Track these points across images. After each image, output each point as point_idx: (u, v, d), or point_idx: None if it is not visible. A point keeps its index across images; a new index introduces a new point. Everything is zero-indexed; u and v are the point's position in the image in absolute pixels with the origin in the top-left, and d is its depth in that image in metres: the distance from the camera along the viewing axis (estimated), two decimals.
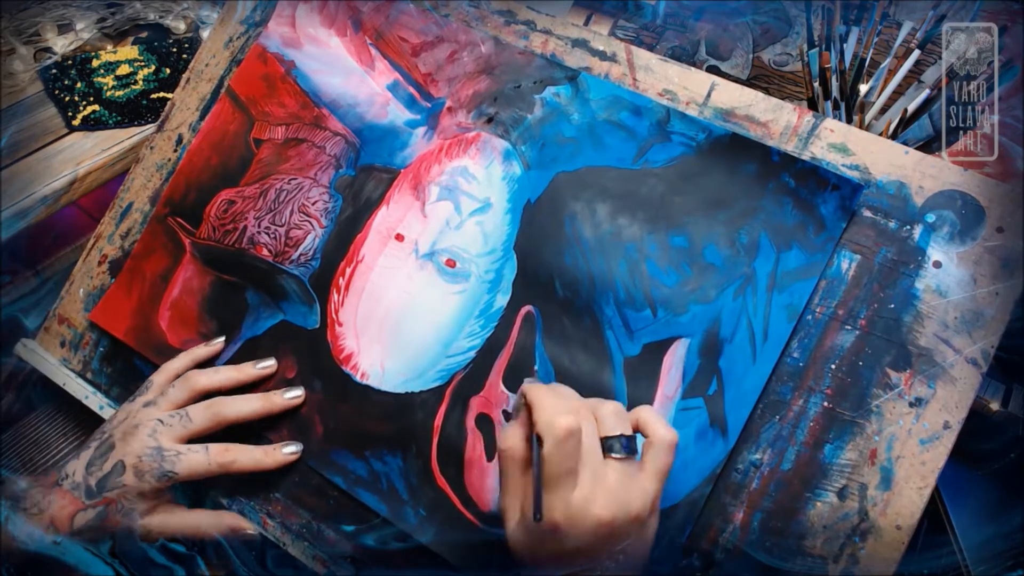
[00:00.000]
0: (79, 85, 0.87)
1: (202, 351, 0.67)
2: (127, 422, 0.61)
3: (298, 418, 0.63)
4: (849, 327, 0.55)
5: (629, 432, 0.49)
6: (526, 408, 0.50)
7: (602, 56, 0.66)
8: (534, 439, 0.48)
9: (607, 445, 0.48)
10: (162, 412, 0.61)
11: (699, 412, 0.56)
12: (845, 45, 0.72)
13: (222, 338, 0.67)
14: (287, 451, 0.62)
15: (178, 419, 0.60)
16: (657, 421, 0.50)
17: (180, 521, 0.60)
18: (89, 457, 0.60)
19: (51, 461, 0.75)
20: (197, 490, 0.64)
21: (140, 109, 0.86)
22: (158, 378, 0.64)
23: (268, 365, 0.65)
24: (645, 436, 0.50)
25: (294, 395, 0.63)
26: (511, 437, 0.50)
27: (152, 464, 0.58)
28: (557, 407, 0.48)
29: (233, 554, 0.63)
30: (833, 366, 0.55)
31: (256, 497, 0.63)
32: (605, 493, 0.46)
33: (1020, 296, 0.53)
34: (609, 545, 0.46)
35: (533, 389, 0.50)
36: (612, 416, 0.49)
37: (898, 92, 0.71)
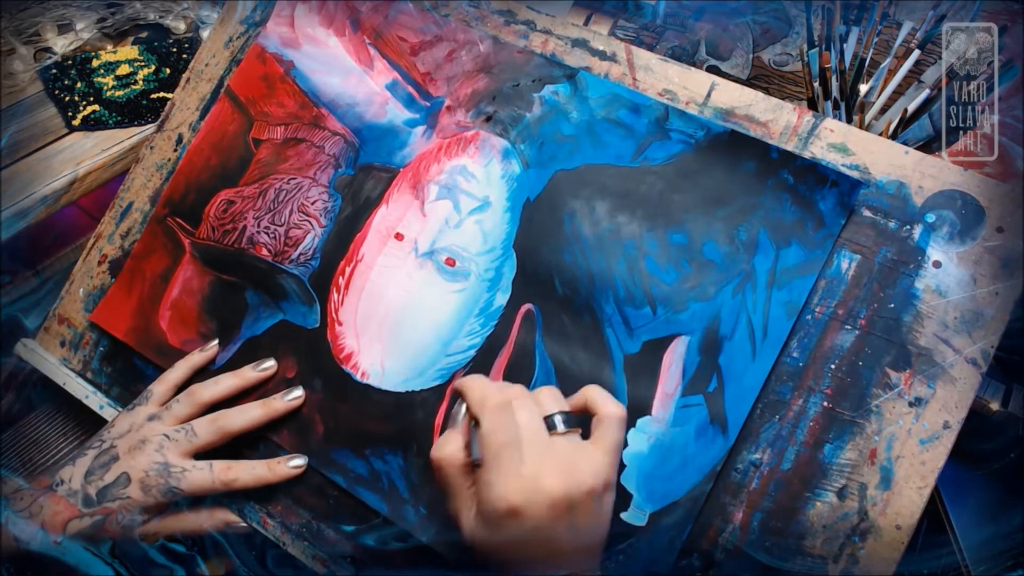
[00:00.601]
0: (79, 85, 0.87)
1: (198, 358, 0.67)
2: (132, 435, 0.61)
3: (298, 418, 0.63)
4: (849, 327, 0.55)
5: (567, 409, 0.50)
6: (466, 415, 0.51)
7: (602, 56, 0.66)
8: (472, 425, 0.50)
9: (549, 423, 0.48)
10: (167, 427, 0.61)
11: (699, 409, 0.56)
12: (845, 45, 0.72)
13: (215, 342, 0.67)
14: (292, 464, 0.62)
15: (184, 434, 0.61)
16: (604, 397, 0.50)
17: (177, 519, 0.61)
18: (88, 465, 0.60)
19: (51, 461, 0.75)
20: None
21: (140, 109, 0.86)
22: (158, 388, 0.65)
23: (268, 367, 0.65)
24: (593, 414, 0.50)
25: (294, 396, 0.63)
26: (448, 444, 0.51)
27: (159, 479, 0.59)
28: (487, 388, 0.50)
29: (233, 554, 0.63)
30: (833, 366, 0.55)
31: (256, 497, 0.63)
32: (554, 466, 0.46)
33: (1020, 296, 0.53)
34: (567, 521, 0.46)
35: (464, 381, 0.52)
36: (549, 397, 0.50)
37: (898, 92, 0.71)
